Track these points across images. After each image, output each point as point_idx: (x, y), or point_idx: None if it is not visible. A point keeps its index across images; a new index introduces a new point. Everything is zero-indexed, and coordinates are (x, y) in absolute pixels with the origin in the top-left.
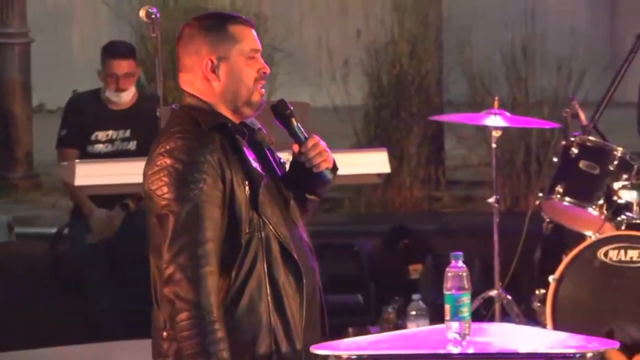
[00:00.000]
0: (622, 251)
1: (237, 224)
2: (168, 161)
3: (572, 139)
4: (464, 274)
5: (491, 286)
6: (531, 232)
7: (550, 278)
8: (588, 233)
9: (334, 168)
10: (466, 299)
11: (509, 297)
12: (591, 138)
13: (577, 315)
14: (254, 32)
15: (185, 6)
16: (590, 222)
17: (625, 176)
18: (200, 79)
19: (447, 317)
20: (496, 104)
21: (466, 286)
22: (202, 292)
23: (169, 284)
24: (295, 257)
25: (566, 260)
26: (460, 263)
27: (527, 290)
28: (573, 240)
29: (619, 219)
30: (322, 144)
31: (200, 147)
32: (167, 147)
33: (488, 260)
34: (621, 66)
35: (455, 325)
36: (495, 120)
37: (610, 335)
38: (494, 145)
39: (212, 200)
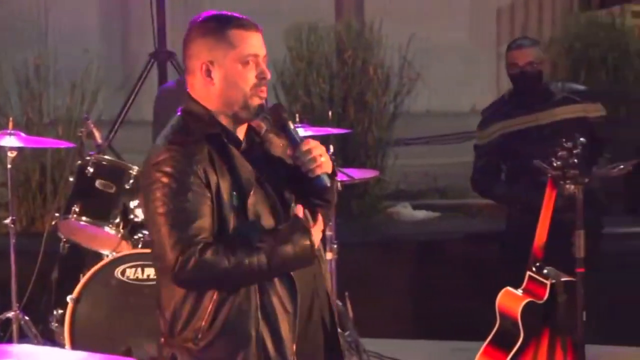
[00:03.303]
0: (139, 269)
1: (224, 233)
2: (157, 175)
3: (88, 158)
4: None
5: (8, 307)
6: (49, 252)
7: (68, 298)
8: (105, 252)
9: (333, 173)
10: None
11: (27, 317)
12: (106, 157)
13: (96, 335)
14: (256, 36)
15: None
16: (107, 241)
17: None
18: (200, 82)
19: None
20: (11, 124)
21: None
22: (217, 268)
23: (187, 283)
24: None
25: (84, 279)
26: None
27: (45, 310)
28: (91, 260)
29: (135, 237)
30: (319, 149)
31: (186, 159)
32: (157, 159)
33: (5, 282)
34: (135, 85)
35: None
36: (10, 141)
37: (128, 353)
38: (9, 166)
39: (200, 208)
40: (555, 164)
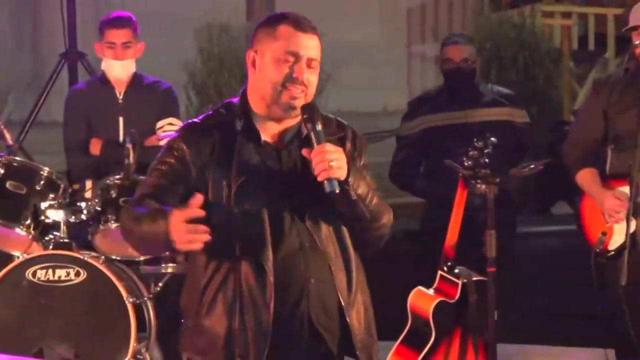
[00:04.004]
0: (50, 270)
1: (208, 222)
2: (165, 145)
3: None
4: None
5: None
6: None
7: None
8: (16, 253)
9: (346, 181)
10: None
11: None
12: (17, 158)
13: (7, 336)
14: (307, 37)
15: None
16: (18, 243)
17: (52, 196)
18: (250, 73)
19: None
20: None
21: None
22: (122, 223)
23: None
24: (267, 269)
25: None
26: None
27: None
28: (1, 261)
29: (46, 238)
30: (333, 154)
31: (186, 140)
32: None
33: None
34: (45, 86)
35: None
36: None
37: (40, 354)
38: None
39: (164, 178)
40: (466, 164)
